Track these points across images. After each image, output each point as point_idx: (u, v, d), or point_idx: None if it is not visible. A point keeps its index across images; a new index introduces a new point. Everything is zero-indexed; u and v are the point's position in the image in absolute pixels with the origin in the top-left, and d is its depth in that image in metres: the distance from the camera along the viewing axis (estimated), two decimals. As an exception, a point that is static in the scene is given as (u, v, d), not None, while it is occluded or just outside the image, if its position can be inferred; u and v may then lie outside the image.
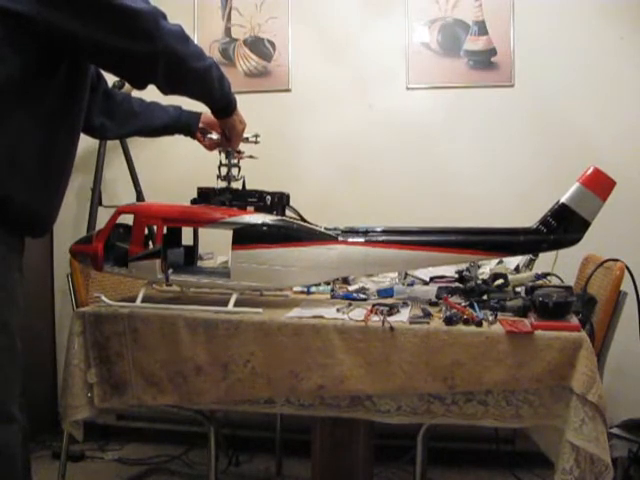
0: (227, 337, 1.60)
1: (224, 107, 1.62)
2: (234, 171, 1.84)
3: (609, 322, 1.73)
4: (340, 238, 1.73)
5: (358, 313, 1.63)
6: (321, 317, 1.60)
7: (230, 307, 1.66)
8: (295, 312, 1.66)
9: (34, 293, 2.90)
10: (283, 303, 1.82)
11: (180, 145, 2.78)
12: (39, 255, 2.97)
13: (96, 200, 2.71)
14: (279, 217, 1.75)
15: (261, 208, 1.78)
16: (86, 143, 2.86)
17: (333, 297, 1.92)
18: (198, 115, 1.85)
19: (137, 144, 2.89)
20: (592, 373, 1.43)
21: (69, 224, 2.95)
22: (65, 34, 1.22)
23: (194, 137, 1.88)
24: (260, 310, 1.65)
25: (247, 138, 1.83)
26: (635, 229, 2.61)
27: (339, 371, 1.54)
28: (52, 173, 1.36)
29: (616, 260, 1.78)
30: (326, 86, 2.86)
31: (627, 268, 1.74)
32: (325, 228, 1.77)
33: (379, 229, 1.76)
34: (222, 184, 1.83)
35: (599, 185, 1.65)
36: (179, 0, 2.89)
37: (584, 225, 1.66)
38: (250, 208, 1.79)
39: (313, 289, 2.02)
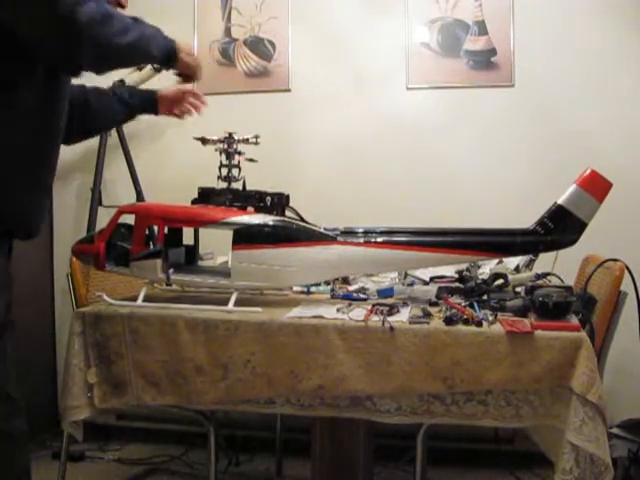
0: (227, 337, 1.60)
1: (167, 59, 1.58)
2: (234, 172, 1.85)
3: (609, 322, 1.73)
4: (339, 239, 1.74)
5: (358, 313, 1.62)
6: (321, 317, 1.60)
7: (230, 306, 1.67)
8: (295, 312, 1.66)
9: (34, 293, 2.90)
10: (283, 303, 1.82)
11: (180, 145, 2.80)
12: (39, 255, 2.97)
13: (96, 200, 2.71)
14: (279, 217, 1.76)
15: (261, 208, 1.79)
16: (86, 143, 2.86)
17: (333, 297, 1.92)
18: (154, 93, 1.83)
19: (137, 144, 2.89)
20: (592, 373, 1.43)
21: (69, 224, 2.96)
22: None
23: (158, 114, 1.87)
24: (260, 309, 1.66)
25: (247, 139, 1.85)
26: (635, 229, 2.61)
27: (339, 371, 1.54)
28: (34, 176, 1.36)
29: (616, 260, 1.78)
30: (326, 86, 2.86)
31: (627, 268, 1.74)
32: (324, 228, 1.78)
33: (378, 230, 1.77)
34: (223, 185, 1.84)
35: (595, 187, 1.66)
36: (179, 0, 2.89)
37: (580, 226, 1.67)
38: (250, 208, 1.81)
39: (313, 289, 2.01)
